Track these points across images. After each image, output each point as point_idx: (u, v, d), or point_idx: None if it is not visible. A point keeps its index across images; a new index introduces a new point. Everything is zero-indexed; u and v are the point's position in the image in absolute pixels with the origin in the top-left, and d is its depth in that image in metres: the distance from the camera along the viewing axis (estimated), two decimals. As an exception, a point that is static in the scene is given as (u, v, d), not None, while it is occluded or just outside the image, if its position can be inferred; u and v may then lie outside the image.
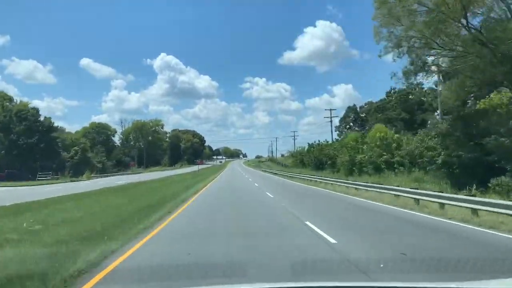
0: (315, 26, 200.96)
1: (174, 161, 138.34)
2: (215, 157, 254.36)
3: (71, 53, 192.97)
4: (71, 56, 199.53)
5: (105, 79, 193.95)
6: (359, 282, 3.78)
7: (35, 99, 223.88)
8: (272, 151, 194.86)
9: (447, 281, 3.09)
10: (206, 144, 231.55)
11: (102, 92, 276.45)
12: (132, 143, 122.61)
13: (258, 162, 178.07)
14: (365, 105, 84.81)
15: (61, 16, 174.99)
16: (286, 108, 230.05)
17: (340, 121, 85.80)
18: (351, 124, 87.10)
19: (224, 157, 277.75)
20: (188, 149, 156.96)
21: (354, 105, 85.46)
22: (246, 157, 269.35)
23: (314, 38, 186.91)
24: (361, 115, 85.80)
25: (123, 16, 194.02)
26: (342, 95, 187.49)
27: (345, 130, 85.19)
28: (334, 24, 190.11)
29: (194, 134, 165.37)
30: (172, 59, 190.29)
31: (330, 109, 65.82)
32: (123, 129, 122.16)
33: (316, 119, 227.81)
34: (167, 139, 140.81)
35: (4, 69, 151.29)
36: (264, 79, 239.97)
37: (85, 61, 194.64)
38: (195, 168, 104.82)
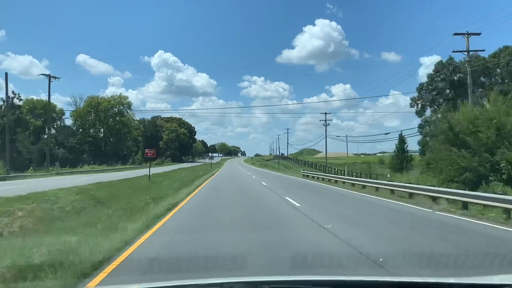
0: (314, 25, 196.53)
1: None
2: (210, 154, 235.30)
3: (68, 48, 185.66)
4: (68, 52, 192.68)
5: (102, 75, 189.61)
6: (355, 276, 2.82)
7: (32, 94, 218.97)
8: (279, 148, 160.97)
9: None
10: (200, 138, 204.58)
11: (98, 89, 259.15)
12: (91, 130, 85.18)
13: (262, 160, 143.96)
14: (465, 61, 48.19)
15: (57, 11, 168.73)
16: (284, 107, 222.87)
17: (420, 89, 49.32)
18: (435, 95, 50.21)
19: (220, 155, 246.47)
20: (173, 142, 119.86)
21: (451, 57, 47.72)
22: (245, 155, 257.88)
23: (314, 37, 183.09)
24: (456, 77, 49.20)
25: (121, 12, 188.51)
26: (341, 95, 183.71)
27: (431, 102, 48.20)
28: (334, 23, 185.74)
29: (181, 122, 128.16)
30: (170, 57, 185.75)
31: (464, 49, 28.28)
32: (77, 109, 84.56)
33: (314, 119, 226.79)
34: (142, 127, 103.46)
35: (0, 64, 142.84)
36: (262, 78, 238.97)
37: (81, 57, 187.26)
38: (170, 167, 67.92)
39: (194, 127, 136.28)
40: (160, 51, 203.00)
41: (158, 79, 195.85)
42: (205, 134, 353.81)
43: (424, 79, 51.65)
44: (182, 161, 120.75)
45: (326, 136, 71.44)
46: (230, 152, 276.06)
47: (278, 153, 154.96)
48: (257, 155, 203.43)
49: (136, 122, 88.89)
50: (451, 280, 2.25)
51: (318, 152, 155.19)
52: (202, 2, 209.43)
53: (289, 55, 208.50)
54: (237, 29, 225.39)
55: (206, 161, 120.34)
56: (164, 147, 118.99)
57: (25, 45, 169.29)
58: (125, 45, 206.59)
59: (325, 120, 71.87)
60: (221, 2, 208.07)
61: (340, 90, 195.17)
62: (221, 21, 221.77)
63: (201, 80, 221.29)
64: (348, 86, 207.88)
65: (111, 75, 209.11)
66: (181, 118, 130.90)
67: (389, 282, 2.37)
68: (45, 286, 4.50)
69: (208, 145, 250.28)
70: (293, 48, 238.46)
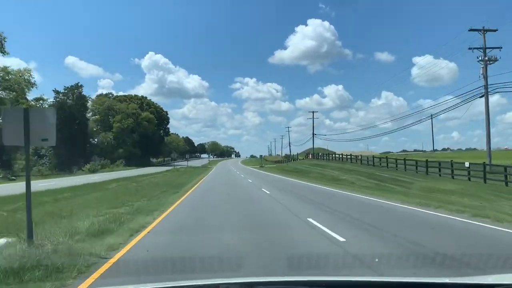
0: (307, 25, 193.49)
1: (79, 159, 54.66)
2: (198, 154, 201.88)
3: (56, 50, 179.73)
4: (56, 54, 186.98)
5: (91, 78, 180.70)
6: (350, 277, 3.05)
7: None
8: (289, 144, 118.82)
9: None
10: (197, 143, 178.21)
11: (88, 92, 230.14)
12: None
13: (266, 161, 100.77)
14: None
15: (45, 12, 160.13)
16: (276, 109, 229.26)
17: None
18: None
19: (211, 156, 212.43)
20: (129, 134, 74.04)
21: None
22: (239, 156, 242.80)
23: (306, 37, 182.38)
24: None
25: (110, 13, 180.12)
26: (333, 95, 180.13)
27: None
28: (326, 23, 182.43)
29: (145, 103, 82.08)
30: (160, 58, 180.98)
31: None
32: None
33: (307, 120, 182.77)
34: (55, 101, 56.87)
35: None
36: (254, 79, 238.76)
37: (70, 59, 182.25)
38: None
39: (166, 112, 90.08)
40: (150, 53, 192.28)
41: (149, 81, 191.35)
42: (197, 136, 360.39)
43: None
44: (146, 164, 75.28)
45: (486, 95, 25.64)
46: (223, 153, 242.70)
47: (289, 152, 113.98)
48: (252, 156, 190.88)
49: (24, 77, 41.88)
50: (446, 280, 2.23)
51: (330, 151, 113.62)
52: (193, 3, 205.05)
53: (282, 56, 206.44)
54: (229, 30, 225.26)
55: (182, 164, 75.52)
56: (112, 141, 72.95)
57: (12, 46, 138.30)
58: (115, 47, 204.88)
59: (485, 60, 26.24)
60: (213, 3, 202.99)
61: (332, 91, 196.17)
62: (213, 22, 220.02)
63: (192, 81, 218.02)
64: (340, 87, 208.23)
65: (101, 77, 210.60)
66: (145, 97, 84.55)
67: (383, 283, 2.34)
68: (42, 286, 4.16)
69: (196, 144, 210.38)
70: (285, 48, 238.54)
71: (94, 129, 78.58)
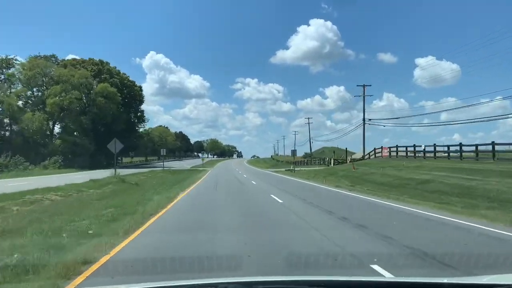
0: (309, 25, 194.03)
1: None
2: (196, 153, 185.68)
3: (57, 50, 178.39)
4: (56, 53, 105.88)
5: None
6: (350, 277, 2.97)
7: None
8: (310, 139, 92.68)
9: None
10: (175, 129, 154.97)
11: None
12: None
13: (277, 162, 75.60)
14: None
15: (44, 11, 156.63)
16: (278, 110, 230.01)
17: None
18: None
19: (210, 155, 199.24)
20: (75, 117, 46.50)
21: None
22: (241, 156, 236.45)
23: (308, 37, 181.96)
24: None
25: (111, 12, 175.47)
26: (335, 97, 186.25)
27: None
28: (329, 23, 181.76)
29: (104, 70, 54.40)
30: (161, 58, 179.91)
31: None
32: None
33: (308, 121, 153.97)
34: None
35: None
36: (256, 79, 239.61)
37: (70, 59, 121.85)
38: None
39: (140, 86, 62.22)
40: (151, 52, 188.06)
41: (150, 81, 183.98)
42: (198, 137, 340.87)
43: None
44: (105, 165, 47.85)
45: None
46: (224, 152, 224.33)
47: (309, 150, 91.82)
48: (254, 156, 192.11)
49: None
50: (444, 280, 2.25)
51: (351, 152, 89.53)
52: (194, 2, 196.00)
53: (283, 56, 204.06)
54: (230, 30, 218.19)
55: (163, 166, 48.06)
56: (45, 127, 45.17)
57: (13, 45, 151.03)
58: (115, 46, 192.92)
59: None
60: (214, 3, 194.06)
61: (334, 92, 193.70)
62: (214, 22, 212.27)
63: (194, 82, 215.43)
64: (342, 88, 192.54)
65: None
66: (107, 62, 56.43)
67: (382, 282, 2.38)
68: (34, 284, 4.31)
69: (193, 142, 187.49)
70: (287, 48, 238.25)
71: (26, 109, 51.07)
